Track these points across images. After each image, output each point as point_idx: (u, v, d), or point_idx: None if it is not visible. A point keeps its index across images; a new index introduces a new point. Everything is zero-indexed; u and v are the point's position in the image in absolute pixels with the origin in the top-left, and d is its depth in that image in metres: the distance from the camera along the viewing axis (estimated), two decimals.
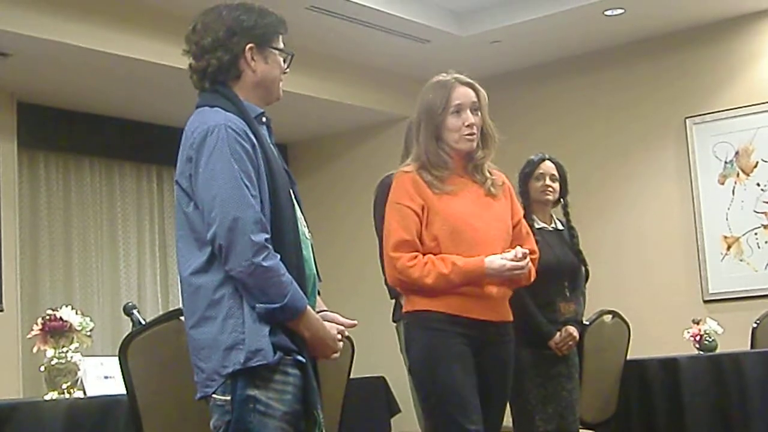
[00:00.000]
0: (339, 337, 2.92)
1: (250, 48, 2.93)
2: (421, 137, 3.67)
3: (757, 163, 7.41)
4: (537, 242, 4.48)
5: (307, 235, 3.00)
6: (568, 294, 4.82)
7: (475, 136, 3.65)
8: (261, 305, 2.73)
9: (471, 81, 3.70)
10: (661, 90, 7.79)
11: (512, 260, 3.58)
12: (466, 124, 3.62)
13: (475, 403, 3.55)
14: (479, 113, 3.67)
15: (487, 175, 3.72)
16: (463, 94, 3.65)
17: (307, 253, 2.94)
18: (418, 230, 3.58)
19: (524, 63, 8.15)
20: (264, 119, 2.99)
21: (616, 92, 7.98)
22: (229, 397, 2.73)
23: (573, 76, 8.15)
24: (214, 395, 2.76)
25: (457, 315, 3.57)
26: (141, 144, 8.07)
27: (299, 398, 2.81)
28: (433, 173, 3.63)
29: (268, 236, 2.75)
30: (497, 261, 3.57)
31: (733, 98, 7.53)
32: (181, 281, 2.87)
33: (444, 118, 3.63)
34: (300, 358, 2.79)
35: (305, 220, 3.03)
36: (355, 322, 3.03)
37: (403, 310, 3.75)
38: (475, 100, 3.66)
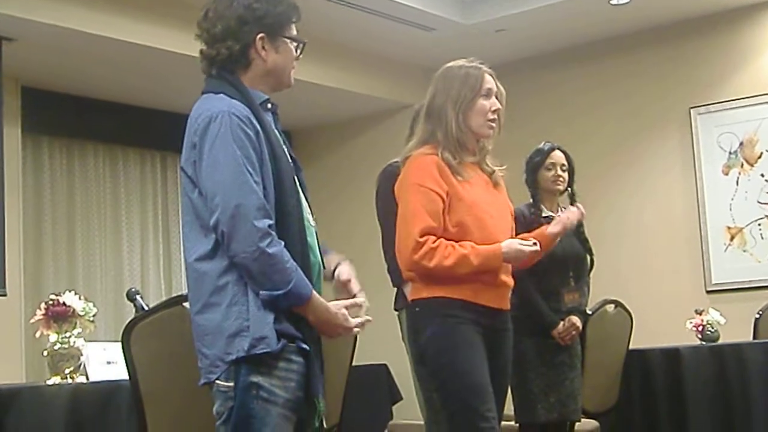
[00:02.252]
0: (346, 314, 2.88)
1: (261, 37, 2.91)
2: (449, 116, 3.59)
3: (762, 153, 7.40)
4: None
5: (312, 222, 2.99)
6: (572, 283, 4.83)
7: (496, 124, 3.63)
8: (265, 292, 2.72)
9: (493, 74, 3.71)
10: (666, 80, 7.78)
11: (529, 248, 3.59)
12: (493, 109, 3.61)
13: (491, 390, 3.52)
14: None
15: (491, 165, 3.71)
16: (491, 81, 3.66)
17: (312, 240, 2.93)
18: (443, 216, 3.52)
19: (529, 51, 8.13)
20: (270, 106, 2.98)
21: (621, 81, 7.96)
22: (232, 384, 2.73)
23: (578, 65, 8.14)
24: (217, 381, 2.76)
25: (471, 302, 3.54)
26: (145, 130, 8.05)
27: (302, 385, 2.81)
28: (457, 156, 3.58)
29: (271, 222, 2.75)
30: (514, 246, 3.54)
31: (738, 89, 7.51)
32: (186, 267, 2.87)
33: (475, 99, 3.61)
34: (304, 345, 2.80)
35: (310, 207, 3.03)
36: (363, 300, 3.00)
37: (411, 297, 3.68)
38: (496, 90, 3.67)
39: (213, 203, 2.75)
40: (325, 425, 2.95)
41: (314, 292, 2.81)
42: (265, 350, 2.72)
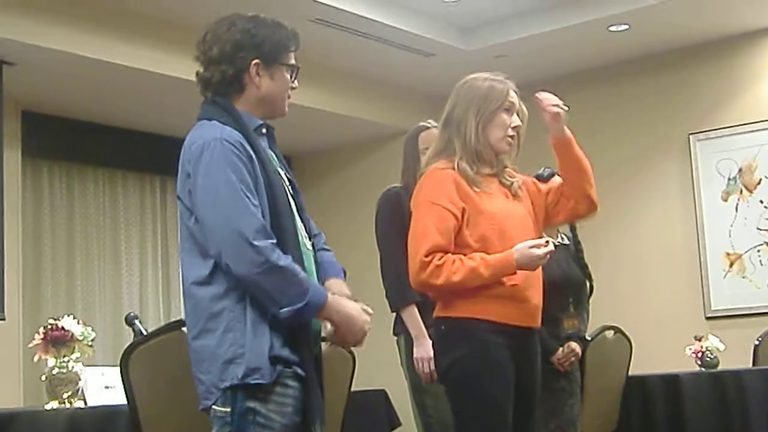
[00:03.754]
0: (360, 308, 2.91)
1: (256, 64, 2.90)
2: (468, 126, 3.48)
3: (761, 180, 7.41)
4: None
5: (309, 246, 2.98)
6: (571, 309, 4.81)
7: (514, 140, 3.55)
8: (285, 310, 2.71)
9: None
10: (665, 106, 7.80)
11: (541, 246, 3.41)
12: (513, 125, 3.53)
13: (511, 421, 3.38)
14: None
15: (510, 178, 3.60)
16: (515, 98, 3.59)
17: (309, 264, 2.92)
18: (454, 236, 3.39)
19: (528, 77, 8.02)
20: (264, 130, 2.98)
21: (621, 107, 7.98)
22: (229, 409, 2.73)
23: (577, 90, 8.13)
24: (214, 407, 2.76)
25: (502, 323, 3.39)
26: (144, 154, 8.06)
27: (299, 410, 2.80)
28: (474, 167, 3.47)
29: (274, 242, 2.75)
30: (527, 249, 3.37)
31: (737, 115, 7.53)
32: (184, 292, 2.87)
33: (497, 112, 3.52)
34: (300, 371, 2.79)
35: (309, 230, 3.02)
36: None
37: (436, 314, 3.50)
38: (518, 108, 3.59)
39: (213, 233, 2.74)
40: None
41: (329, 294, 2.82)
42: (258, 381, 2.72)
